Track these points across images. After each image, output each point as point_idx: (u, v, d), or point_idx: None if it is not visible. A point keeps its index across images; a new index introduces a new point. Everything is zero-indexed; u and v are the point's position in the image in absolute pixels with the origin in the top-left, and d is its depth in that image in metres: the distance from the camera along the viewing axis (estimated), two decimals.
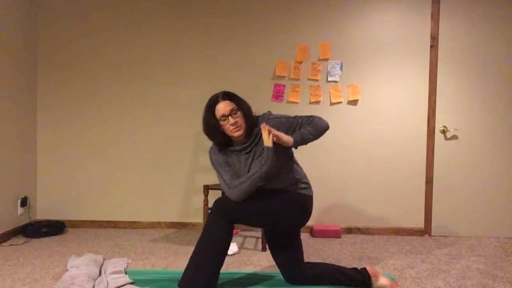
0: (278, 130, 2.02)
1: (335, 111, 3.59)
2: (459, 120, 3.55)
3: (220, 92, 2.08)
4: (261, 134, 2.02)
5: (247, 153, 2.07)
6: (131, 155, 3.67)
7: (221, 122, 2.03)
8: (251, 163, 2.05)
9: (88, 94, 3.65)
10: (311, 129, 2.03)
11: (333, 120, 3.59)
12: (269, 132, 1.93)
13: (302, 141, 2.01)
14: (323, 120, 2.09)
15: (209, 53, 3.62)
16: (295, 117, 2.10)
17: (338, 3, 3.57)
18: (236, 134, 2.02)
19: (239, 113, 2.03)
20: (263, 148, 2.02)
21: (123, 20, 3.63)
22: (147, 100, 3.65)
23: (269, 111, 2.17)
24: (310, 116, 2.09)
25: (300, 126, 2.07)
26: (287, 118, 2.09)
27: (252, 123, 2.08)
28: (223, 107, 2.01)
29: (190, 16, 3.62)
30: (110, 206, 3.68)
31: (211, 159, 2.14)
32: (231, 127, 2.00)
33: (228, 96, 2.06)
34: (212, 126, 2.05)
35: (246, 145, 2.06)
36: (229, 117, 2.00)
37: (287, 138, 1.96)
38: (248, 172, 2.04)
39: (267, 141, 1.95)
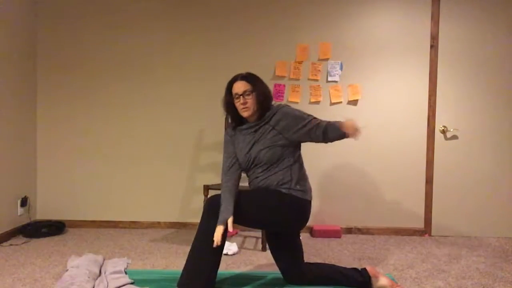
0: (287, 121, 2.07)
1: (335, 111, 3.59)
2: (459, 120, 3.55)
3: (242, 73, 2.19)
4: (271, 118, 2.10)
5: (253, 132, 2.14)
6: (131, 155, 3.67)
7: (235, 100, 2.14)
8: (252, 145, 2.11)
9: (87, 94, 3.65)
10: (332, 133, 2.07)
11: (333, 120, 3.58)
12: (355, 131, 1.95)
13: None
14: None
15: (209, 53, 3.62)
16: (309, 116, 2.08)
17: (338, 3, 3.57)
18: (244, 114, 2.12)
19: (252, 95, 2.11)
20: (267, 130, 2.08)
21: (123, 20, 3.63)
22: (147, 100, 3.65)
23: (286, 104, 2.17)
24: (319, 123, 2.06)
25: (309, 128, 2.05)
26: (301, 113, 2.10)
27: (265, 107, 2.14)
28: (238, 87, 2.12)
29: (190, 16, 3.62)
30: (110, 206, 3.68)
31: (224, 137, 2.32)
32: (241, 106, 2.11)
33: (246, 78, 2.15)
34: (228, 102, 2.17)
35: (252, 124, 2.14)
36: (241, 96, 2.10)
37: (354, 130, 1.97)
38: (249, 151, 2.10)
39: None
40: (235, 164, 2.17)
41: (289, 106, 2.15)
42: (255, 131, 2.13)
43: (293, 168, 2.10)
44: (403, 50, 3.55)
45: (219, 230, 1.95)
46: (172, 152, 3.66)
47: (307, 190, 2.12)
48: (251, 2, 3.59)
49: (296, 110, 2.12)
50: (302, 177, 2.12)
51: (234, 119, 2.23)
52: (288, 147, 2.09)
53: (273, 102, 2.21)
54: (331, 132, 2.01)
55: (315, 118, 2.09)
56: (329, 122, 2.04)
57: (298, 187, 2.08)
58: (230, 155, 2.19)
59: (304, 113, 2.10)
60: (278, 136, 2.08)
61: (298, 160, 2.15)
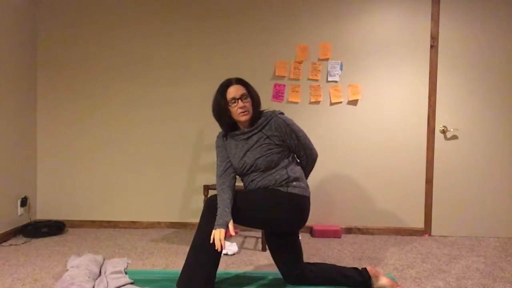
0: (277, 132, 2.09)
1: (335, 111, 3.59)
2: (459, 120, 3.55)
3: (234, 78, 2.16)
4: (264, 125, 2.10)
5: (246, 139, 2.12)
6: (131, 155, 3.67)
7: (230, 104, 2.09)
8: (246, 152, 2.10)
9: (88, 94, 3.65)
10: (308, 171, 2.24)
11: (333, 120, 3.59)
12: None
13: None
14: (315, 154, 2.21)
15: (209, 53, 3.62)
16: (298, 137, 2.11)
17: (338, 3, 3.57)
18: (243, 118, 2.08)
19: (248, 99, 2.10)
20: (261, 139, 2.09)
21: (123, 20, 3.63)
22: (147, 100, 3.65)
23: (280, 112, 2.17)
24: (309, 150, 2.16)
25: (297, 150, 2.14)
26: (292, 128, 2.11)
27: (259, 112, 2.15)
28: (234, 90, 2.09)
29: (191, 17, 3.62)
30: (110, 206, 3.68)
31: (215, 143, 2.26)
32: (239, 110, 2.07)
33: (241, 82, 2.14)
34: (222, 107, 2.11)
35: (247, 130, 2.12)
36: (239, 100, 2.07)
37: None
38: (243, 157, 2.10)
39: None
40: (230, 168, 2.16)
41: (282, 114, 2.15)
42: (248, 138, 2.12)
43: (289, 168, 2.11)
44: (403, 50, 3.55)
45: (221, 234, 1.93)
46: (172, 152, 3.66)
47: (305, 186, 2.13)
48: (251, 2, 3.59)
49: (291, 122, 2.12)
50: (298, 175, 2.13)
51: (226, 125, 2.18)
52: (283, 152, 2.11)
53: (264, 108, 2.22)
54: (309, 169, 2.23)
55: (307, 141, 2.15)
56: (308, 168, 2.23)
57: (295, 183, 2.09)
58: (224, 159, 2.18)
59: (297, 128, 2.13)
60: (274, 145, 2.08)
61: (293, 161, 2.16)
